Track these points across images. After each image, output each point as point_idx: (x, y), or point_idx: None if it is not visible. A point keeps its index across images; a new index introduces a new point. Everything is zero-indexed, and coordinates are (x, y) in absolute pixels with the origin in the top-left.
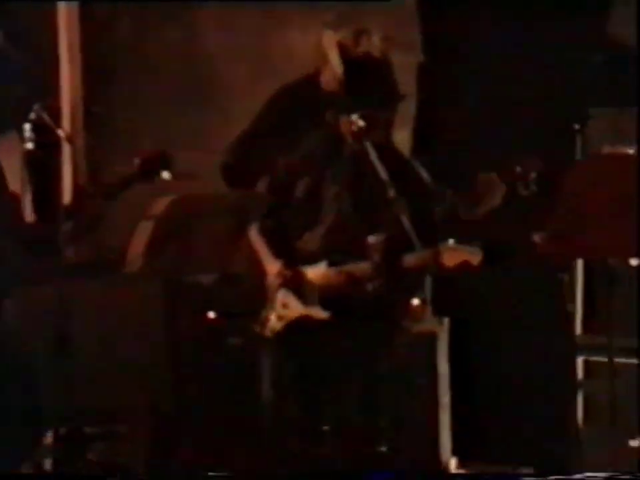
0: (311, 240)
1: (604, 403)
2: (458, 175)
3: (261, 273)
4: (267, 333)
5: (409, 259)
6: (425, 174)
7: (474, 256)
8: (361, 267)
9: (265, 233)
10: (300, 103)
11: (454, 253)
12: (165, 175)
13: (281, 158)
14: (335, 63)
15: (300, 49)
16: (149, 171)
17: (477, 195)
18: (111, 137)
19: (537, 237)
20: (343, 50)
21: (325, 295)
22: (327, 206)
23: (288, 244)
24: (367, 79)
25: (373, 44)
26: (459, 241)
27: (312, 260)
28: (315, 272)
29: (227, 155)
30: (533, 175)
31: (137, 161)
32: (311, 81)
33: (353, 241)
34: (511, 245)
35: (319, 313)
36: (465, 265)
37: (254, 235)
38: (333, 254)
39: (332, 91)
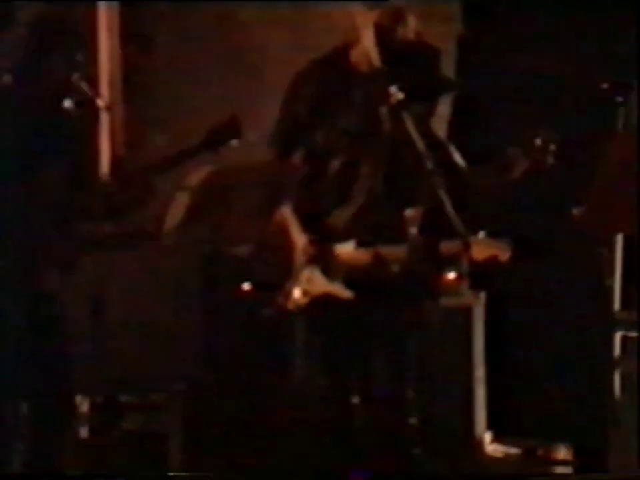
0: (342, 217)
1: None
2: (488, 149)
3: (291, 246)
4: (291, 306)
5: (442, 247)
6: (459, 159)
7: (503, 251)
8: (390, 250)
9: (297, 207)
10: (330, 79)
11: (483, 247)
12: (234, 143)
13: (318, 133)
14: (370, 45)
15: (339, 21)
16: (217, 140)
17: (499, 167)
18: (149, 107)
19: (575, 211)
20: (380, 32)
21: (351, 274)
22: (359, 184)
23: (318, 219)
24: (406, 67)
25: (409, 27)
26: (491, 233)
27: (341, 237)
28: (343, 250)
29: (270, 149)
30: (552, 146)
31: (206, 130)
32: (340, 57)
33: (384, 221)
34: (543, 239)
35: (343, 292)
36: (493, 259)
37: (286, 208)
38: (363, 233)
39: (362, 69)
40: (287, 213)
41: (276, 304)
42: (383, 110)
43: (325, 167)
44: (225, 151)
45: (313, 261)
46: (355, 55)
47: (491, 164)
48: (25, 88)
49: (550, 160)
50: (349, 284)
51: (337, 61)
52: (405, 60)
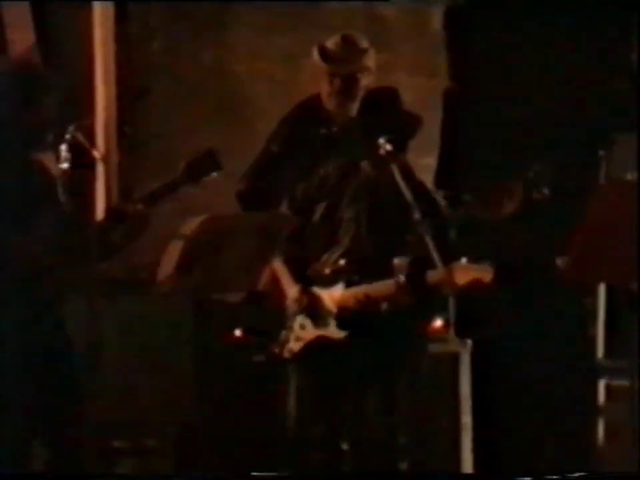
0: (328, 262)
1: (625, 426)
2: (478, 185)
3: (282, 295)
4: (285, 354)
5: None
6: (439, 197)
7: (485, 274)
8: (377, 287)
9: (286, 257)
10: (309, 123)
11: (465, 271)
12: (214, 175)
13: (298, 182)
14: (338, 97)
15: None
16: (196, 174)
17: (493, 200)
18: (143, 157)
19: (559, 261)
20: (345, 83)
21: (343, 315)
22: (343, 229)
23: (307, 267)
24: (376, 112)
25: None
26: (474, 260)
27: (329, 282)
28: (332, 293)
29: (241, 182)
30: (546, 180)
31: (182, 163)
32: (316, 103)
33: (369, 263)
34: (523, 263)
35: (336, 333)
36: (476, 283)
37: (277, 261)
38: (350, 275)
39: (338, 117)
40: (277, 265)
41: (268, 350)
42: (366, 161)
43: (310, 213)
44: (205, 184)
45: (304, 308)
46: (329, 103)
47: (482, 199)
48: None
49: (544, 192)
50: (341, 325)
51: (316, 106)
52: (373, 105)
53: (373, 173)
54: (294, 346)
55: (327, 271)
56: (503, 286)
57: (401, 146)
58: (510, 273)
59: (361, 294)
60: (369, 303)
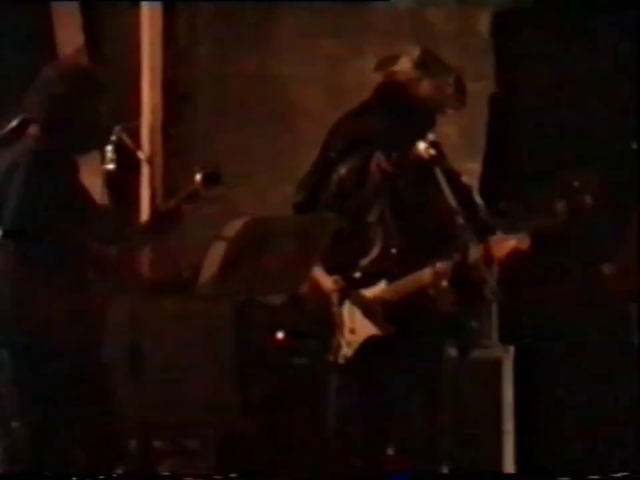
0: (362, 266)
1: None
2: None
3: (324, 299)
4: (340, 360)
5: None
6: (481, 202)
7: (522, 242)
8: (419, 276)
9: (327, 259)
10: (359, 131)
11: (503, 243)
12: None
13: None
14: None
15: (372, 78)
16: (207, 186)
17: (537, 211)
18: (188, 159)
19: (605, 269)
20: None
21: (388, 312)
22: (371, 231)
23: (343, 270)
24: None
25: (401, 69)
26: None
27: (369, 282)
28: (376, 292)
29: (299, 193)
30: (591, 188)
31: (198, 176)
32: (366, 110)
33: (405, 267)
34: (559, 231)
35: (385, 329)
36: (515, 253)
37: (317, 269)
38: (389, 271)
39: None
40: (318, 273)
41: (311, 352)
42: (383, 158)
43: (355, 220)
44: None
45: (344, 295)
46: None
47: (532, 211)
48: (55, 139)
49: (589, 201)
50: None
51: (365, 113)
52: (385, 98)
53: (390, 169)
54: (347, 351)
55: (360, 274)
56: (542, 253)
57: (421, 138)
58: (548, 240)
59: (403, 286)
60: (413, 294)
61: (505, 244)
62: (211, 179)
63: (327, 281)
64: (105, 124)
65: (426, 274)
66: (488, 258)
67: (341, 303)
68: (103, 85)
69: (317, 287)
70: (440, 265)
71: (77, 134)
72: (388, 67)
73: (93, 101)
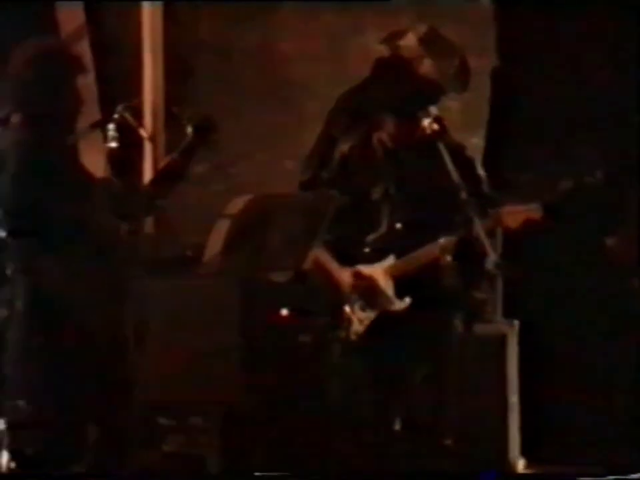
0: (373, 243)
1: None
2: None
3: (329, 277)
4: (352, 336)
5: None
6: (485, 178)
7: (534, 212)
8: (426, 251)
9: (329, 245)
10: (361, 107)
11: (515, 214)
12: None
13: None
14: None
15: (375, 51)
16: (202, 137)
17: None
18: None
19: (608, 241)
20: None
21: (399, 286)
22: (375, 209)
23: (346, 248)
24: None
25: (406, 45)
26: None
27: (376, 258)
28: (385, 267)
29: (304, 173)
30: (597, 163)
31: (189, 129)
32: (369, 87)
33: (411, 242)
34: (564, 205)
35: (399, 304)
36: (528, 223)
37: (318, 249)
38: (396, 247)
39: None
40: (320, 253)
41: (316, 330)
42: (384, 133)
43: (359, 196)
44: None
45: (361, 293)
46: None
47: (534, 184)
48: (36, 124)
49: (596, 175)
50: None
51: (367, 89)
52: (386, 73)
53: (392, 145)
54: (358, 328)
55: (368, 250)
56: (554, 223)
57: (424, 113)
58: (559, 210)
59: (412, 260)
60: (422, 268)
61: (518, 215)
62: (203, 129)
63: (343, 274)
64: (83, 101)
65: (432, 249)
66: (503, 228)
67: (355, 293)
68: (76, 60)
69: (324, 272)
70: (444, 240)
71: (59, 116)
72: (394, 41)
73: (66, 79)
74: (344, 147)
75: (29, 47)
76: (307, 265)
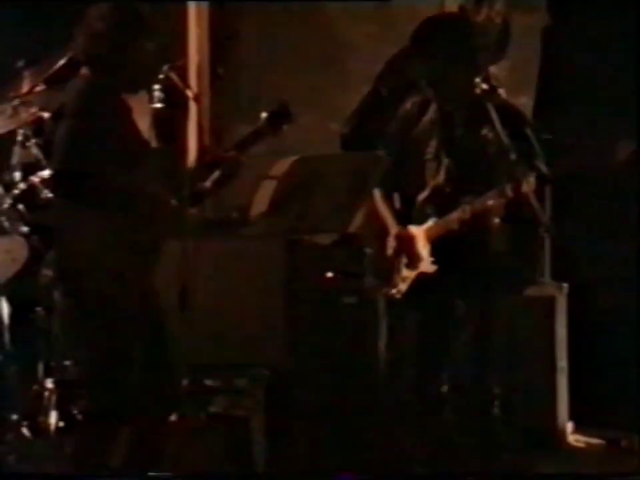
0: (422, 201)
1: None
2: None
3: (383, 234)
4: (397, 295)
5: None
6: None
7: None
8: (457, 214)
9: (386, 197)
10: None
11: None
12: (285, 128)
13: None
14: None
15: (423, 13)
16: (277, 124)
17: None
18: (234, 97)
19: None
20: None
21: (438, 249)
22: (428, 168)
23: (403, 206)
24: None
25: (495, 10)
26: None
27: (421, 219)
28: (426, 228)
29: (346, 126)
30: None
31: (263, 114)
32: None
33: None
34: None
35: (430, 268)
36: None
37: (378, 199)
38: (439, 212)
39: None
40: (379, 202)
41: (360, 291)
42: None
43: (405, 156)
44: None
45: (401, 249)
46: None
47: (593, 149)
48: (104, 78)
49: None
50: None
51: (417, 52)
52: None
53: (448, 107)
54: (402, 286)
55: (419, 209)
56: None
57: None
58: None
59: (452, 221)
60: (462, 228)
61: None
62: (279, 115)
63: (393, 230)
64: (151, 62)
65: (461, 213)
66: (517, 196)
67: (400, 251)
68: (146, 22)
69: (378, 229)
70: (492, 202)
71: (125, 72)
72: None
73: (136, 37)
74: (407, 104)
75: (104, 4)
76: (353, 226)
